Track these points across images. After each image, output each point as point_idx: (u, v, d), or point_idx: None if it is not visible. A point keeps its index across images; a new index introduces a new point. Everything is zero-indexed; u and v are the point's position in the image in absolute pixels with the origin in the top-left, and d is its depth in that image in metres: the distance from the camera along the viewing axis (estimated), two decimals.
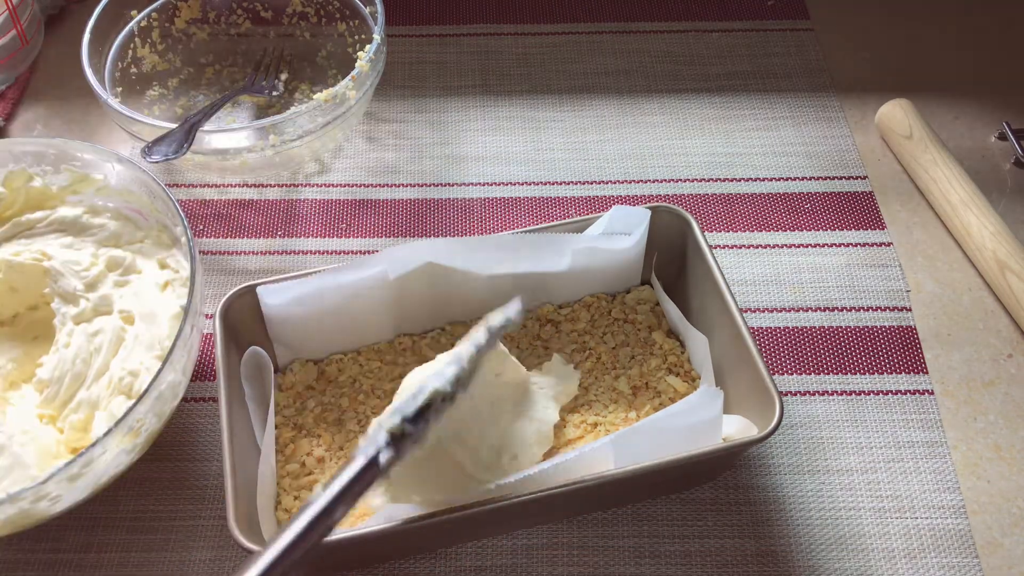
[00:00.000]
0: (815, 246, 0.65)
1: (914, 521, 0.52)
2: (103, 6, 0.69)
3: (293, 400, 0.54)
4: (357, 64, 0.65)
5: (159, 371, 0.46)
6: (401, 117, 0.73)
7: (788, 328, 0.60)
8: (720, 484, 0.53)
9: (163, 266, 0.56)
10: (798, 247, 0.65)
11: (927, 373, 0.58)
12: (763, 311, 0.61)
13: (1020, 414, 0.56)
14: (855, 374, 0.58)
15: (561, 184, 0.69)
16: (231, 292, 0.52)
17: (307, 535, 0.36)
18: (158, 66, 0.73)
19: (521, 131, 0.72)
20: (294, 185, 0.69)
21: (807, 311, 0.61)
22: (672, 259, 0.57)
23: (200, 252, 0.62)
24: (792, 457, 0.55)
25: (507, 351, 0.51)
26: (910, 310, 0.61)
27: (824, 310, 0.61)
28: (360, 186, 0.69)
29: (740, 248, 0.65)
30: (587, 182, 0.69)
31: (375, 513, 0.45)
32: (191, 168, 0.68)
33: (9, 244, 0.56)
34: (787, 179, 0.69)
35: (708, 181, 0.69)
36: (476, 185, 0.69)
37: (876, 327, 0.60)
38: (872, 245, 0.65)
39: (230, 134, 0.63)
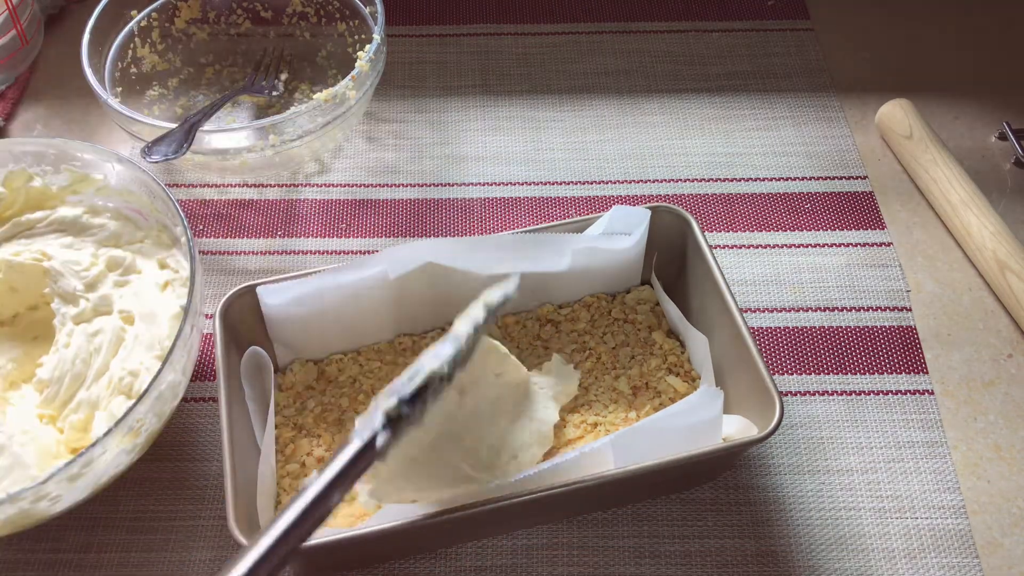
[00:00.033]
0: (815, 246, 0.65)
1: (914, 521, 0.52)
2: (103, 6, 0.69)
3: (293, 400, 0.54)
4: (357, 64, 0.65)
5: (159, 371, 0.46)
6: (401, 117, 0.73)
7: (788, 328, 0.60)
8: (720, 484, 0.53)
9: (163, 266, 0.56)
10: (798, 247, 0.65)
11: (927, 373, 0.58)
12: (763, 311, 0.61)
13: (1020, 414, 0.56)
14: (855, 374, 0.58)
15: (561, 184, 0.69)
16: (231, 292, 0.52)
17: (303, 520, 0.36)
18: (158, 66, 0.73)
19: (521, 131, 0.72)
20: (294, 185, 0.69)
21: (807, 311, 0.61)
22: (672, 259, 0.57)
23: (200, 252, 0.62)
24: (792, 457, 0.55)
25: (507, 351, 0.51)
26: (910, 310, 0.61)
27: (824, 310, 0.61)
28: (360, 186, 0.69)
29: (740, 248, 0.65)
30: (587, 182, 0.69)
31: (375, 513, 0.45)
32: (191, 168, 0.68)
33: (9, 244, 0.56)
34: (787, 179, 0.69)
35: (708, 181, 0.69)
36: (476, 185, 0.69)
37: (876, 327, 0.60)
38: (872, 245, 0.65)
39: (230, 134, 0.63)
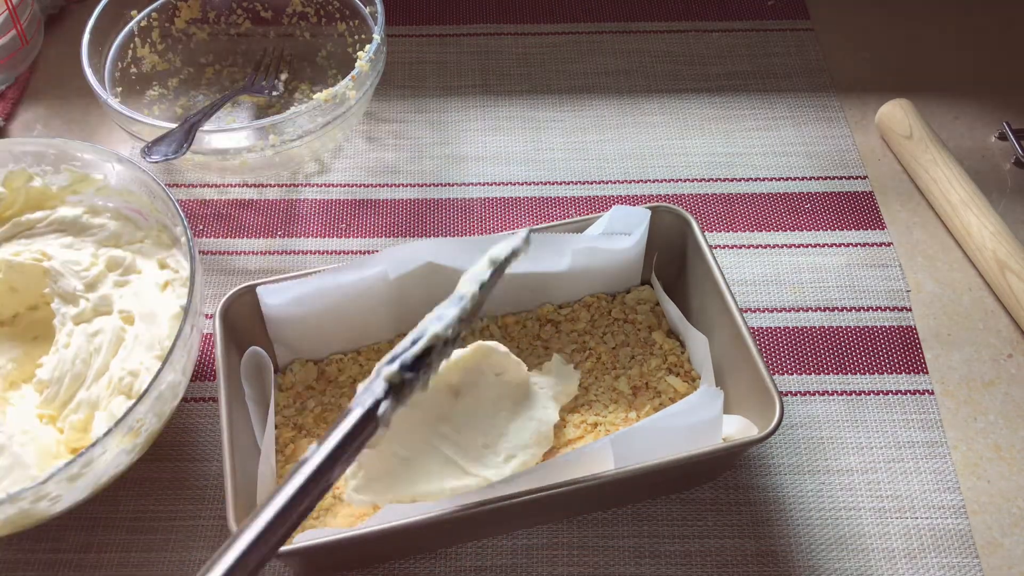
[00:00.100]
0: (815, 246, 0.65)
1: (914, 521, 0.52)
2: (103, 6, 0.69)
3: (293, 400, 0.54)
4: (357, 64, 0.65)
5: (159, 371, 0.46)
6: (401, 117, 0.73)
7: (788, 328, 0.60)
8: (720, 484, 0.53)
9: (163, 266, 0.56)
10: (798, 247, 0.65)
11: (927, 373, 0.58)
12: (763, 311, 0.61)
13: (1020, 414, 0.56)
14: (855, 374, 0.58)
15: (561, 184, 0.69)
16: (231, 292, 0.52)
17: (303, 494, 0.34)
18: (158, 66, 0.73)
19: (521, 131, 0.72)
20: (294, 185, 0.69)
21: (807, 311, 0.61)
22: (672, 259, 0.57)
23: (200, 252, 0.62)
24: (792, 457, 0.55)
25: (508, 351, 0.51)
26: (910, 310, 0.61)
27: (824, 310, 0.61)
28: (360, 186, 0.69)
29: (740, 248, 0.65)
30: (587, 182, 0.69)
31: (375, 513, 0.45)
32: (191, 168, 0.68)
33: (9, 244, 0.56)
34: (787, 179, 0.69)
35: (708, 181, 0.69)
36: (476, 185, 0.69)
37: (876, 327, 0.60)
38: (872, 245, 0.65)
39: (230, 134, 0.63)
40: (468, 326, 0.40)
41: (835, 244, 0.65)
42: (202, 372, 0.58)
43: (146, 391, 0.46)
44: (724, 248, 0.65)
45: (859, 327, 0.60)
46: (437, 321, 0.39)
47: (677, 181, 0.69)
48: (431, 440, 0.49)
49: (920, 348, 0.59)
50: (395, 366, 0.38)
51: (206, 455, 0.55)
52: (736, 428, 0.49)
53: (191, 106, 0.73)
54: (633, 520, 0.52)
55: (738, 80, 0.76)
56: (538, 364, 0.55)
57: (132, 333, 0.52)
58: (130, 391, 0.50)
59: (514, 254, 0.43)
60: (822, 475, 0.54)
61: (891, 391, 0.57)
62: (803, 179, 0.69)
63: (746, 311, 0.61)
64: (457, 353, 0.50)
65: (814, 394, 0.57)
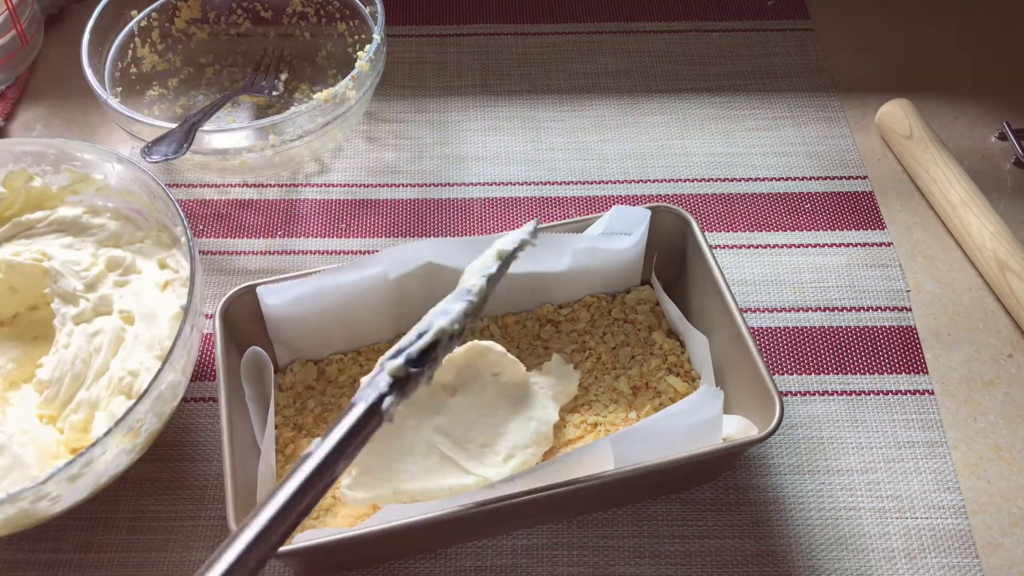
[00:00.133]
0: (815, 246, 0.65)
1: (914, 521, 0.52)
2: (103, 6, 0.69)
3: (293, 400, 0.54)
4: (357, 64, 0.65)
5: (159, 371, 0.46)
6: (401, 117, 0.73)
7: (788, 328, 0.60)
8: (720, 484, 0.53)
9: (163, 266, 0.56)
10: (798, 247, 0.65)
11: (927, 373, 0.58)
12: (763, 311, 0.61)
13: (1020, 414, 0.56)
14: (855, 374, 0.58)
15: (561, 184, 0.69)
16: (231, 292, 0.52)
17: (307, 489, 0.34)
18: (158, 66, 0.73)
19: (521, 131, 0.72)
20: (294, 185, 0.69)
21: (807, 311, 0.61)
22: (672, 259, 0.57)
23: (200, 252, 0.62)
24: (792, 457, 0.55)
25: (504, 350, 0.51)
26: (910, 310, 0.61)
27: (824, 310, 0.61)
28: (360, 186, 0.69)
29: (740, 248, 0.65)
30: (587, 182, 0.69)
31: (375, 513, 0.45)
32: (191, 168, 0.68)
33: (9, 244, 0.56)
34: (787, 179, 0.69)
35: (708, 181, 0.69)
36: (476, 185, 0.69)
37: (876, 327, 0.60)
38: (872, 245, 0.65)
39: (230, 134, 0.63)
40: (474, 320, 0.39)
41: (835, 244, 0.65)
42: (202, 372, 0.58)
43: (146, 391, 0.46)
44: (724, 248, 0.65)
45: (859, 327, 0.60)
46: (443, 315, 0.39)
47: (677, 181, 0.69)
48: (426, 437, 0.49)
49: (920, 348, 0.59)
50: (400, 360, 0.37)
51: (206, 455, 0.55)
52: (736, 428, 0.49)
53: (191, 106, 0.73)
54: (633, 520, 0.52)
55: (738, 80, 0.76)
56: (538, 364, 0.55)
57: (132, 333, 0.52)
58: (130, 391, 0.50)
59: (521, 246, 0.42)
60: (822, 475, 0.54)
61: (891, 391, 0.57)
62: (803, 179, 0.69)
63: (746, 311, 0.61)
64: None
65: (814, 394, 0.57)
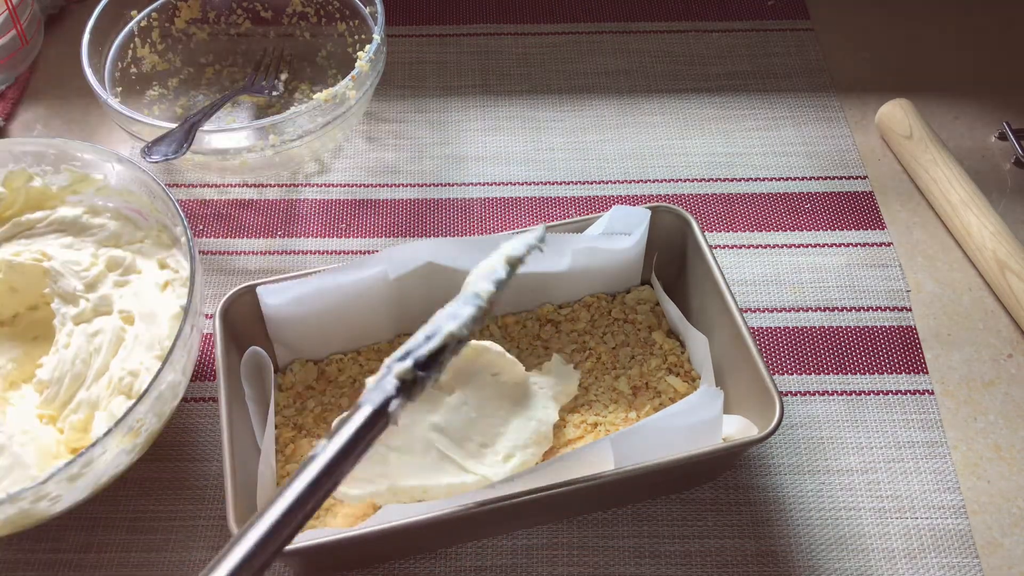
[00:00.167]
0: (815, 246, 0.65)
1: (914, 521, 0.52)
2: (103, 6, 0.69)
3: (293, 400, 0.54)
4: (357, 64, 0.65)
5: (159, 371, 0.46)
6: (401, 117, 0.73)
7: (788, 328, 0.60)
8: (720, 484, 0.53)
9: (163, 266, 0.56)
10: (798, 247, 0.65)
11: (927, 373, 0.58)
12: (763, 311, 0.61)
13: (1020, 414, 0.56)
14: (855, 374, 0.58)
15: (561, 184, 0.69)
16: (231, 292, 0.52)
17: (313, 491, 0.34)
18: (158, 66, 0.73)
19: (521, 131, 0.72)
20: (294, 185, 0.69)
21: (807, 311, 0.61)
22: (672, 259, 0.57)
23: (200, 252, 0.62)
24: (792, 457, 0.55)
25: (503, 350, 0.51)
26: (910, 310, 0.61)
27: (824, 310, 0.61)
28: (360, 186, 0.69)
29: (740, 248, 0.65)
30: (587, 182, 0.69)
31: (375, 513, 0.45)
32: (191, 168, 0.68)
33: (9, 244, 0.56)
34: (787, 179, 0.69)
35: (708, 181, 0.69)
36: (476, 185, 0.69)
37: (876, 327, 0.60)
38: (872, 245, 0.65)
39: (230, 134, 0.63)
40: (481, 325, 0.39)
41: (835, 244, 0.65)
42: (202, 372, 0.58)
43: (146, 391, 0.46)
44: (724, 248, 0.65)
45: (859, 327, 0.60)
46: (452, 319, 0.39)
47: (677, 181, 0.69)
48: (423, 435, 0.48)
49: (920, 348, 0.59)
50: (408, 363, 0.37)
51: (206, 455, 0.55)
52: (736, 428, 0.49)
53: (191, 106, 0.73)
54: (633, 520, 0.52)
55: (738, 80, 0.76)
56: (538, 364, 0.55)
57: (132, 333, 0.52)
58: (130, 391, 0.50)
59: (530, 251, 0.42)
60: (822, 475, 0.54)
61: (891, 391, 0.57)
62: (803, 179, 0.69)
63: (746, 311, 0.61)
64: None
65: (814, 394, 0.57)
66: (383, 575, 0.50)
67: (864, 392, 0.57)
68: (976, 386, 0.58)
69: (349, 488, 0.47)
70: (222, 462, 0.46)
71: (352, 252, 0.65)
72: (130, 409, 0.45)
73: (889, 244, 0.65)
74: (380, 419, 0.36)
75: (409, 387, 0.37)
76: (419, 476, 0.47)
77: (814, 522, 0.52)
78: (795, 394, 0.57)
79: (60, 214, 0.57)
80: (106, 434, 0.44)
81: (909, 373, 0.58)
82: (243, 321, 0.52)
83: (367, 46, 0.66)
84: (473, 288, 0.41)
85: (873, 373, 0.58)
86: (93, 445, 0.44)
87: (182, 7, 0.74)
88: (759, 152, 0.71)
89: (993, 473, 0.54)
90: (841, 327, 0.60)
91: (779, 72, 0.77)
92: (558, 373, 0.54)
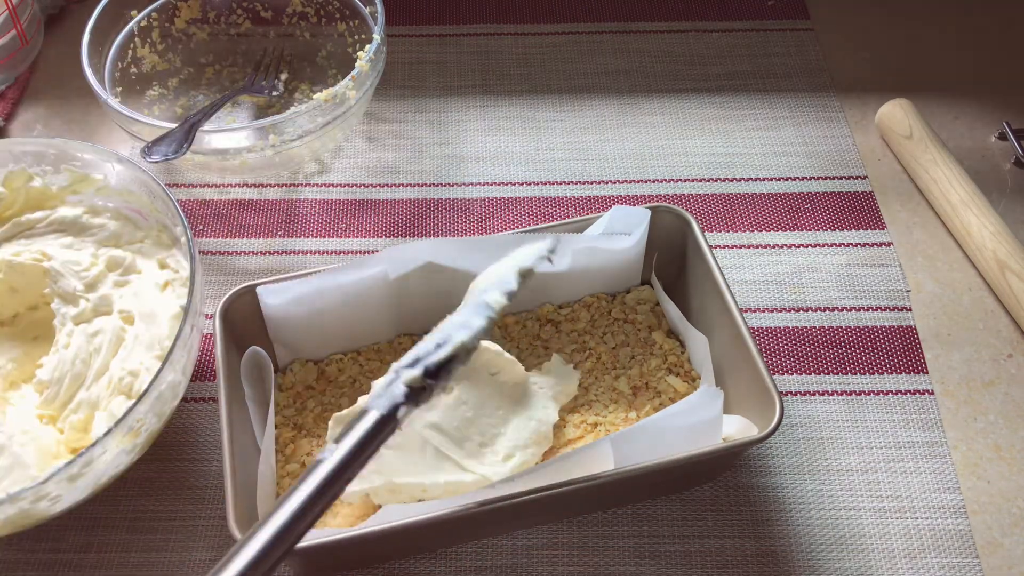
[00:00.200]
0: (815, 246, 0.65)
1: (914, 521, 0.52)
2: (103, 6, 0.69)
3: (293, 400, 0.54)
4: (357, 64, 0.65)
5: (159, 371, 0.46)
6: (401, 117, 0.73)
7: (788, 328, 0.60)
8: (720, 484, 0.53)
9: (163, 266, 0.56)
10: (798, 247, 0.65)
11: (927, 373, 0.58)
12: (763, 311, 0.61)
13: (1020, 414, 0.56)
14: (855, 374, 0.58)
15: (561, 184, 0.69)
16: (231, 292, 0.52)
17: (322, 494, 0.34)
18: (158, 66, 0.73)
19: (521, 131, 0.72)
20: (294, 185, 0.69)
21: (807, 311, 0.61)
22: (672, 259, 0.57)
23: (200, 252, 0.62)
24: (792, 457, 0.55)
25: (501, 349, 0.51)
26: (910, 310, 0.61)
27: (824, 310, 0.61)
28: (360, 186, 0.69)
29: (740, 248, 0.65)
30: (587, 182, 0.69)
31: (375, 513, 0.45)
32: (191, 168, 0.68)
33: (9, 244, 0.56)
34: (787, 179, 0.69)
35: (708, 181, 0.69)
36: (476, 185, 0.69)
37: (876, 327, 0.60)
38: (872, 245, 0.65)
39: (230, 134, 0.63)
40: (490, 334, 0.39)
41: (835, 244, 0.65)
42: (202, 372, 0.58)
43: (146, 391, 0.46)
44: (724, 248, 0.65)
45: (859, 327, 0.60)
46: (463, 329, 0.39)
47: (677, 181, 0.69)
48: (419, 432, 0.48)
49: (920, 348, 0.59)
50: (418, 371, 0.37)
51: (206, 455, 0.55)
52: (736, 428, 0.49)
53: (191, 106, 0.73)
54: (633, 520, 0.52)
55: (738, 80, 0.76)
56: (538, 364, 0.55)
57: (132, 333, 0.52)
58: (130, 391, 0.50)
59: (540, 261, 0.42)
60: (822, 475, 0.54)
61: (891, 391, 0.57)
62: (803, 179, 0.69)
63: (746, 311, 0.61)
64: None
65: (814, 394, 0.57)
66: (383, 575, 0.50)
67: (864, 392, 0.57)
68: (976, 386, 0.58)
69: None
70: (222, 462, 0.46)
71: (352, 252, 0.65)
72: (130, 409, 0.45)
73: (889, 244, 0.65)
74: (388, 424, 0.36)
75: (417, 394, 0.37)
76: (416, 473, 0.47)
77: (814, 522, 0.52)
78: (795, 394, 0.57)
79: (60, 214, 0.57)
80: (106, 434, 0.44)
81: (909, 373, 0.58)
82: (243, 321, 0.52)
83: (367, 46, 0.66)
84: (484, 297, 0.41)
85: (873, 373, 0.58)
86: (93, 445, 0.44)
87: (182, 7, 0.74)
88: (759, 152, 0.71)
89: (993, 473, 0.54)
90: (841, 327, 0.60)
91: (779, 72, 0.77)
92: (558, 373, 0.54)
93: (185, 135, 0.62)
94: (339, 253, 0.65)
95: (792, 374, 0.58)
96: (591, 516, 0.52)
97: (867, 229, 0.66)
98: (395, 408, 0.37)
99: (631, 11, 0.81)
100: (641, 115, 0.73)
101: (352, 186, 0.69)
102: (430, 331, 0.57)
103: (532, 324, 0.58)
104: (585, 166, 0.70)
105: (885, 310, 0.61)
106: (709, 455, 0.46)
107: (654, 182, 0.69)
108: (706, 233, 0.65)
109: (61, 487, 0.44)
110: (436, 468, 0.48)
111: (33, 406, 0.51)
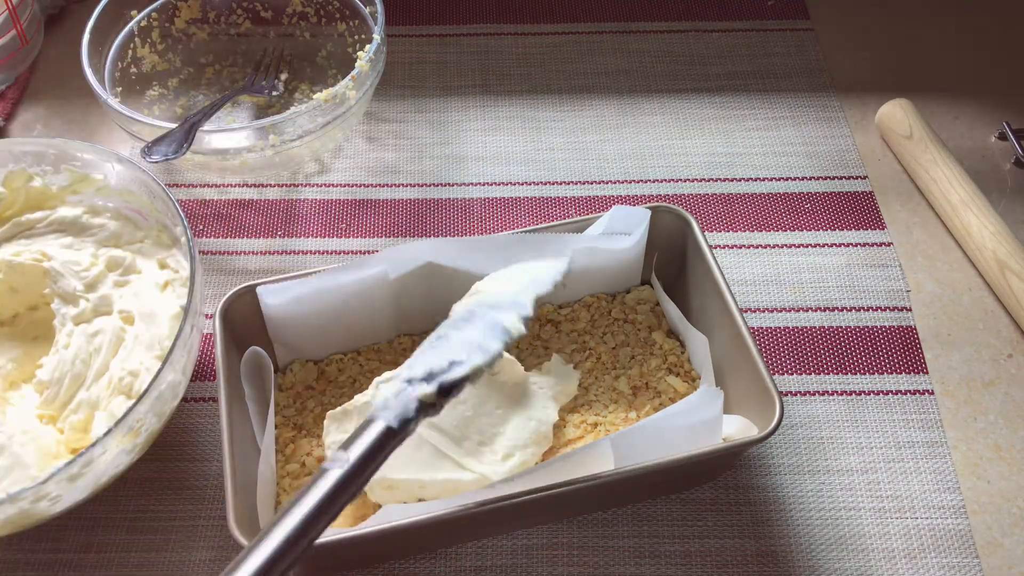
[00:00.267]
0: (815, 246, 0.65)
1: (914, 521, 0.52)
2: (103, 6, 0.69)
3: (293, 400, 0.54)
4: (357, 64, 0.65)
5: (159, 371, 0.46)
6: (401, 117, 0.73)
7: (788, 328, 0.60)
8: (720, 484, 0.53)
9: (163, 266, 0.56)
10: (798, 247, 0.65)
11: (927, 373, 0.58)
12: (763, 311, 0.61)
13: (1020, 414, 0.56)
14: (855, 374, 0.58)
15: (561, 184, 0.69)
16: (231, 292, 0.52)
17: (335, 498, 0.35)
18: (158, 66, 0.74)
19: (521, 131, 0.72)
20: (294, 185, 0.69)
21: (807, 311, 0.61)
22: (672, 259, 0.57)
23: (200, 252, 0.62)
24: (792, 457, 0.55)
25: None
26: (910, 310, 0.61)
27: (824, 310, 0.61)
28: (360, 186, 0.69)
29: (740, 248, 0.65)
30: (587, 182, 0.69)
31: (375, 513, 0.45)
32: (191, 168, 0.68)
33: (9, 244, 0.56)
34: (787, 179, 0.69)
35: (708, 181, 0.69)
36: (476, 185, 0.69)
37: (876, 327, 0.60)
38: (872, 245, 0.65)
39: (230, 134, 0.63)
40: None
41: (835, 244, 0.65)
42: (202, 372, 0.58)
43: (146, 391, 0.46)
44: (724, 248, 0.65)
45: (859, 327, 0.60)
46: (480, 352, 0.40)
47: (677, 181, 0.69)
48: (417, 430, 0.48)
49: (920, 348, 0.59)
50: (432, 388, 0.38)
51: (206, 455, 0.55)
52: (736, 428, 0.49)
53: (191, 106, 0.73)
54: (633, 520, 0.52)
55: (738, 80, 0.76)
56: (538, 364, 0.55)
57: (132, 333, 0.52)
58: (130, 391, 0.50)
59: (555, 285, 0.43)
60: (822, 475, 0.54)
61: (891, 391, 0.57)
62: (803, 179, 0.69)
63: (746, 311, 0.61)
64: None
65: (814, 394, 0.57)
66: (383, 575, 0.50)
67: (864, 392, 0.57)
68: (976, 386, 0.58)
69: None
70: (222, 462, 0.46)
71: (352, 252, 0.65)
72: (130, 409, 0.45)
73: (889, 244, 0.65)
74: (397, 436, 0.37)
75: (427, 408, 0.38)
76: (413, 470, 0.47)
77: (814, 522, 0.52)
78: (795, 394, 0.57)
79: (60, 214, 0.57)
80: (106, 434, 0.44)
81: (909, 373, 0.58)
82: (243, 321, 0.52)
83: (367, 46, 0.66)
84: (501, 319, 0.41)
85: (873, 373, 0.58)
86: (93, 445, 0.44)
87: (182, 7, 0.74)
88: (759, 152, 0.71)
89: (993, 473, 0.54)
90: (841, 327, 0.60)
91: (779, 72, 0.77)
92: (558, 373, 0.54)
93: (185, 135, 0.62)
94: (339, 253, 0.65)
95: (792, 374, 0.58)
96: (591, 516, 0.52)
97: (867, 229, 0.66)
98: (406, 422, 0.37)
99: (631, 11, 0.81)
100: (641, 115, 0.73)
101: (352, 186, 0.69)
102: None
103: (532, 324, 0.58)
104: (585, 166, 0.70)
105: (885, 310, 0.61)
106: (709, 455, 0.46)
107: (654, 182, 0.69)
108: (706, 233, 0.65)
109: (61, 487, 0.44)
110: (434, 466, 0.48)
111: (33, 406, 0.51)
